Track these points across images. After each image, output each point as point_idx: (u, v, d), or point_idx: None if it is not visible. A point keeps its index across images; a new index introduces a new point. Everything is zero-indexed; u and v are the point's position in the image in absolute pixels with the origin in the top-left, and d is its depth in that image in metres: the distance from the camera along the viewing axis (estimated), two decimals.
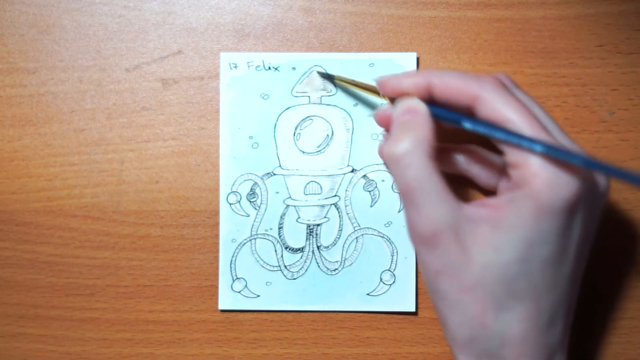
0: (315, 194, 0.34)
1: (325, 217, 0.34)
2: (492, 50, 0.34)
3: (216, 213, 0.34)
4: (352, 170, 0.34)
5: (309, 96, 0.34)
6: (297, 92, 0.34)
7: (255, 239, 0.34)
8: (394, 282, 0.34)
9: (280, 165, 0.34)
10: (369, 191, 0.34)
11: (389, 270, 0.34)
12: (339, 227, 0.34)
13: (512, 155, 0.26)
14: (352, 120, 0.34)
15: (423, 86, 0.27)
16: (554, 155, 0.24)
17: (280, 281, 0.34)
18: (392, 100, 0.29)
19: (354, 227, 0.34)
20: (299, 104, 0.34)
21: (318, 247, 0.34)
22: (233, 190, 0.34)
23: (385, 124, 0.30)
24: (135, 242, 0.35)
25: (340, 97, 0.34)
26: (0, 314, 0.35)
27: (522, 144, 0.25)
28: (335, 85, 0.34)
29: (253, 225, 0.34)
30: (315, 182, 0.34)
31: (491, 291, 0.25)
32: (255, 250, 0.34)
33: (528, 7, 0.34)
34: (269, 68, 0.34)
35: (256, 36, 0.34)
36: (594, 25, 0.34)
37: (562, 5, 0.34)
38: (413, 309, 0.34)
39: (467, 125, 0.27)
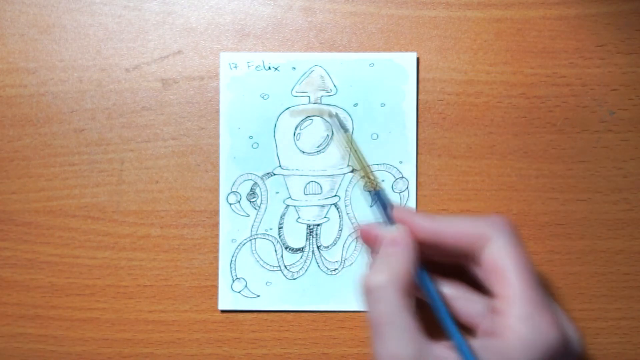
0: (315, 194, 0.34)
1: (325, 217, 0.34)
2: (492, 50, 0.34)
3: (216, 213, 0.34)
4: (352, 170, 0.34)
5: (309, 96, 0.34)
6: (297, 92, 0.34)
7: (255, 239, 0.34)
8: None
9: (280, 165, 0.34)
10: (369, 191, 0.34)
11: None
12: (339, 227, 0.34)
13: (498, 301, 0.26)
14: (352, 120, 0.34)
15: (429, 231, 0.28)
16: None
17: (280, 281, 0.34)
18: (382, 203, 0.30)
19: (354, 227, 0.34)
20: (299, 104, 0.34)
21: (318, 247, 0.34)
22: (233, 190, 0.34)
23: (368, 242, 0.30)
24: (135, 242, 0.35)
25: (341, 97, 0.34)
26: (0, 314, 0.35)
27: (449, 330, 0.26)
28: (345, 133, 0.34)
29: (253, 225, 0.34)
30: (315, 182, 0.34)
31: None
32: (255, 250, 0.34)
33: (528, 7, 0.34)
34: (269, 68, 0.34)
35: (256, 36, 0.35)
36: (594, 25, 0.34)
37: (562, 5, 0.34)
38: None
39: (441, 310, 0.27)
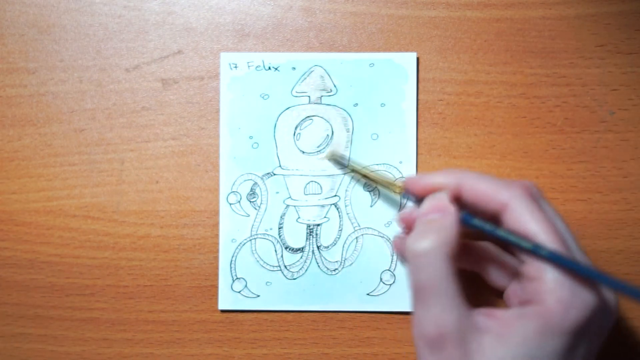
0: (315, 194, 0.34)
1: (325, 217, 0.34)
2: (492, 50, 0.34)
3: (216, 213, 0.34)
4: (352, 170, 0.34)
5: (309, 96, 0.34)
6: (297, 92, 0.34)
7: (255, 239, 0.34)
8: (394, 282, 0.34)
9: (280, 165, 0.34)
10: (369, 191, 0.34)
11: (389, 270, 0.34)
12: (339, 227, 0.34)
13: (531, 267, 0.26)
14: (352, 120, 0.34)
15: (453, 187, 0.28)
16: (571, 267, 0.25)
17: (280, 281, 0.34)
18: (411, 195, 0.30)
19: (354, 227, 0.34)
20: (299, 104, 0.34)
21: (318, 247, 0.34)
22: (233, 190, 0.34)
23: (410, 225, 0.30)
24: (135, 242, 0.35)
25: (340, 97, 0.34)
26: (0, 314, 0.35)
27: (542, 255, 0.25)
28: (344, 170, 0.34)
29: (253, 225, 0.34)
30: (315, 182, 0.34)
31: None
32: (255, 250, 0.34)
33: (528, 7, 0.34)
34: (269, 68, 0.34)
35: (256, 36, 0.35)
36: (594, 25, 0.34)
37: (562, 5, 0.34)
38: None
39: (500, 234, 0.27)
